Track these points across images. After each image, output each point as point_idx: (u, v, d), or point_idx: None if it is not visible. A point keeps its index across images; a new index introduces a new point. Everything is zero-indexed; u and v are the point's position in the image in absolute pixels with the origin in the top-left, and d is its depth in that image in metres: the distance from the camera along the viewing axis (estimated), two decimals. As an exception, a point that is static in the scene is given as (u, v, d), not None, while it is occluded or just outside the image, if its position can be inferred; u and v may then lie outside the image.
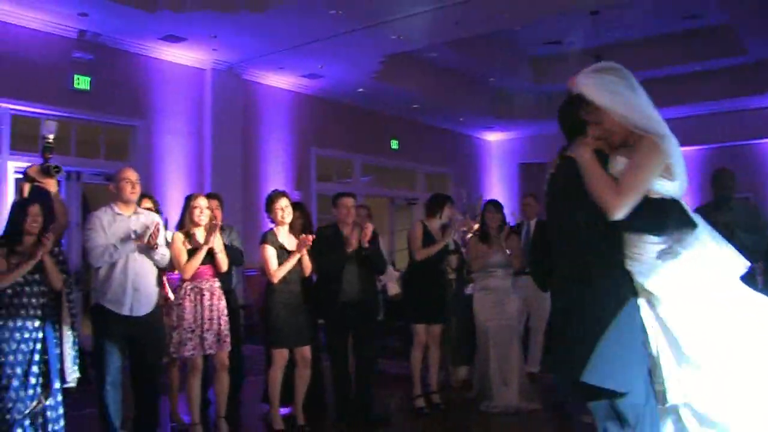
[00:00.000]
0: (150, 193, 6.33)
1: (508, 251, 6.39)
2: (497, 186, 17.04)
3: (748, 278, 6.49)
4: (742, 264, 3.12)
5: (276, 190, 5.90)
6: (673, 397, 2.97)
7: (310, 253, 5.73)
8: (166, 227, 5.58)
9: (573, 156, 3.11)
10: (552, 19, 10.20)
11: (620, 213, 2.91)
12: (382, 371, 7.47)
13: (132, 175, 5.10)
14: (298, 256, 5.59)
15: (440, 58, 12.03)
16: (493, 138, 17.19)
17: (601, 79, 3.08)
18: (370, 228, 5.98)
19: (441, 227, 6.48)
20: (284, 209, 5.68)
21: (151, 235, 4.95)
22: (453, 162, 16.05)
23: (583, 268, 3.05)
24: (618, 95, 3.03)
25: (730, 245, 3.16)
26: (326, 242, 5.95)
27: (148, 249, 5.01)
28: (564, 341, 3.13)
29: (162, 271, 5.37)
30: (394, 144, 14.35)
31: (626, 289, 3.03)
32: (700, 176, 9.80)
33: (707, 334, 2.94)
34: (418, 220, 6.73)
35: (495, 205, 6.67)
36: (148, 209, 5.52)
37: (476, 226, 6.79)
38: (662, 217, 3.01)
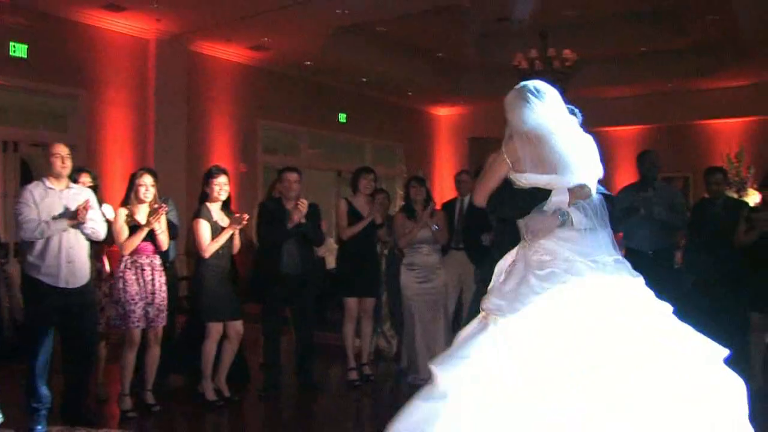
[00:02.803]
0: (87, 168, 6.27)
1: (434, 227, 6.45)
2: (447, 160, 17.11)
3: (666, 255, 6.80)
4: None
5: (216, 165, 5.99)
6: None
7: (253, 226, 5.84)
8: (101, 202, 5.55)
9: None
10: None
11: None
12: (322, 343, 7.57)
13: (62, 149, 5.10)
14: (230, 232, 5.70)
15: (389, 32, 12.00)
16: (443, 112, 17.25)
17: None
18: (304, 204, 6.02)
19: (367, 202, 6.55)
20: (222, 186, 5.75)
21: (78, 212, 4.96)
22: (402, 136, 16.08)
23: None
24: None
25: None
26: (269, 216, 6.04)
27: (77, 225, 5.03)
28: None
29: (103, 244, 5.43)
30: (342, 117, 14.32)
31: None
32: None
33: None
34: (341, 198, 6.79)
35: (419, 180, 6.72)
36: (83, 184, 5.52)
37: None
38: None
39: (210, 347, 5.71)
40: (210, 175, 5.79)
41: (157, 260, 5.55)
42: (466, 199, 7.60)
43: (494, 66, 13.84)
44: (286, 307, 6.31)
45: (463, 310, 7.77)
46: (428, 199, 6.59)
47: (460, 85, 14.97)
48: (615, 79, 12.81)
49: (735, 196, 9.91)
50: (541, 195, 3.41)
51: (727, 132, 14.31)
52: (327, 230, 7.58)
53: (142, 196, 5.43)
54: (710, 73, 12.93)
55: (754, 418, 3.07)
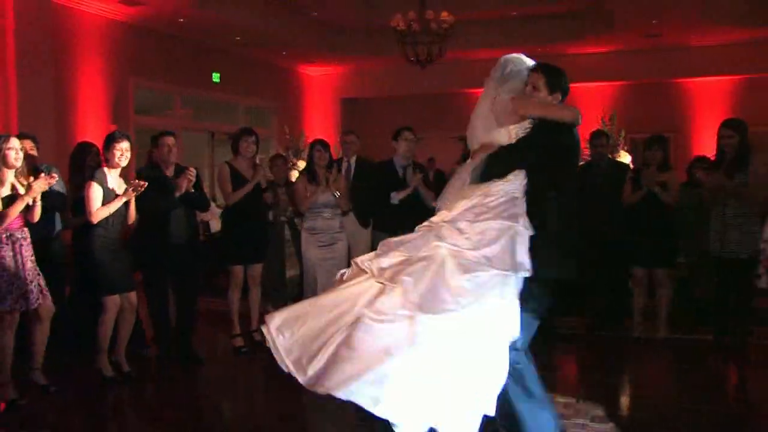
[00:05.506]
0: None
1: (336, 193, 6.41)
2: (319, 121, 17.00)
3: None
4: None
5: (119, 131, 5.83)
6: None
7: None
8: None
9: None
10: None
11: None
12: (209, 309, 7.47)
13: None
14: (123, 200, 5.46)
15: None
16: (317, 72, 17.06)
17: None
18: (193, 172, 5.91)
19: (250, 165, 6.43)
20: (123, 151, 5.52)
21: None
22: (276, 96, 15.80)
23: None
24: None
25: None
26: (150, 184, 5.78)
27: None
28: None
29: None
30: (216, 77, 13.87)
31: None
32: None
33: None
34: (223, 162, 6.61)
35: (323, 144, 6.65)
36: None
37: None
38: None
39: (108, 321, 5.51)
40: (113, 139, 5.55)
41: (27, 233, 5.12)
42: (353, 160, 7.52)
43: (371, 26, 13.79)
44: (172, 276, 6.10)
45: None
46: (331, 163, 6.54)
47: (335, 44, 14.82)
48: (490, 42, 13.01)
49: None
50: None
51: (599, 96, 14.95)
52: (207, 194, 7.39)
53: (12, 161, 4.95)
54: (581, 38, 13.42)
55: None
